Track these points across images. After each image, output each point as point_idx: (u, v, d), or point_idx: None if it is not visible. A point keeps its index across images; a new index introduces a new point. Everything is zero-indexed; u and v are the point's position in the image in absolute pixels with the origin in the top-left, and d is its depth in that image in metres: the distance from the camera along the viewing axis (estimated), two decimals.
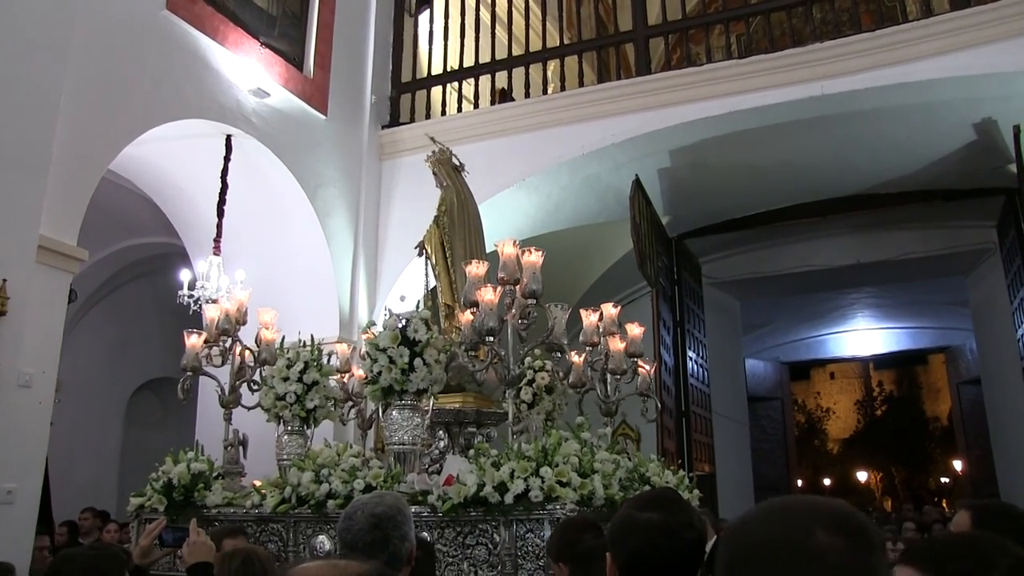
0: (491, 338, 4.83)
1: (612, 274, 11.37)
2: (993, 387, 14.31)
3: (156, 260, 11.12)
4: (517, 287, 4.93)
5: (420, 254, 6.56)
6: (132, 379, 12.23)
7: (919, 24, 7.72)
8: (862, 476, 36.49)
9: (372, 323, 5.63)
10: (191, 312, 7.65)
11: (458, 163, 6.90)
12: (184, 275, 7.63)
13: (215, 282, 7.52)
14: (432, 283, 6.50)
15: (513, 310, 4.94)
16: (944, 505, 29.48)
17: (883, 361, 31.11)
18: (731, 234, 12.02)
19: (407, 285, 9.15)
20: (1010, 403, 12.16)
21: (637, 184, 9.08)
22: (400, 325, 5.16)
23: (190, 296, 7.52)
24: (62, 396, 8.62)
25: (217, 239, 7.73)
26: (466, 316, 5.06)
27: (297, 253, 8.62)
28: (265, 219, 8.57)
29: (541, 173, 8.84)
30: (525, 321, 4.99)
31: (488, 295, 4.83)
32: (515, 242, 5.00)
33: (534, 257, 4.97)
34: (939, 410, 34.79)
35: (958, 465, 27.79)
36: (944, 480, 33.63)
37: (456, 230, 6.46)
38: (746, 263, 13.64)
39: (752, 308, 16.18)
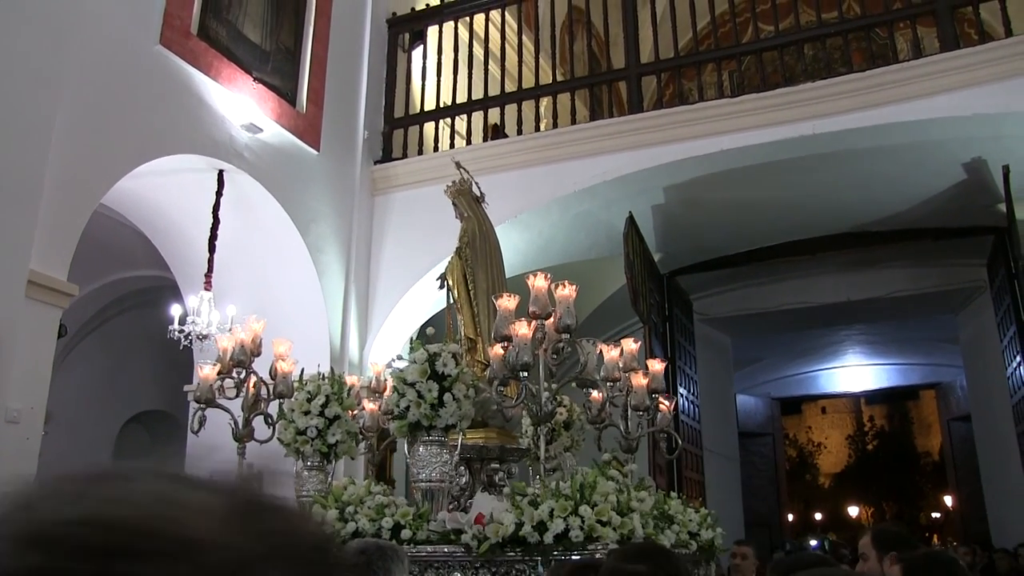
0: (524, 373, 4.74)
1: (602, 311, 11.36)
2: (983, 424, 14.34)
3: (147, 293, 11.08)
4: (548, 321, 4.85)
5: (441, 286, 6.43)
6: (122, 412, 12.16)
7: (909, 65, 7.78)
8: (853, 511, 36.45)
9: (399, 357, 5.53)
10: (181, 347, 7.62)
11: (479, 193, 6.82)
12: (175, 310, 7.61)
13: (206, 317, 7.49)
14: (456, 315, 6.32)
15: (544, 345, 4.86)
16: (935, 540, 29.42)
17: (874, 396, 31.14)
18: (722, 271, 12.04)
19: (399, 321, 9.15)
20: (1000, 440, 12.16)
21: (631, 221, 9.09)
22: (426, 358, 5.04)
23: (180, 331, 7.49)
24: (50, 428, 8.57)
25: (208, 274, 7.71)
26: (496, 350, 4.93)
27: (289, 288, 8.60)
28: (257, 254, 8.55)
29: (532, 210, 8.85)
30: (556, 356, 4.91)
31: (522, 329, 4.74)
32: (547, 275, 4.92)
33: (567, 291, 4.89)
34: (930, 445, 34.84)
35: (949, 501, 27.75)
36: (935, 515, 33.58)
37: (479, 262, 6.35)
38: (737, 300, 13.65)
39: (743, 344, 16.17)
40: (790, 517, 28.14)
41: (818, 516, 35.64)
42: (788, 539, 21.87)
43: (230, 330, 6.67)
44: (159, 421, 12.36)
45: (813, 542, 21.83)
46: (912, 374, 21.46)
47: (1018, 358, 9.37)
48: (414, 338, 8.97)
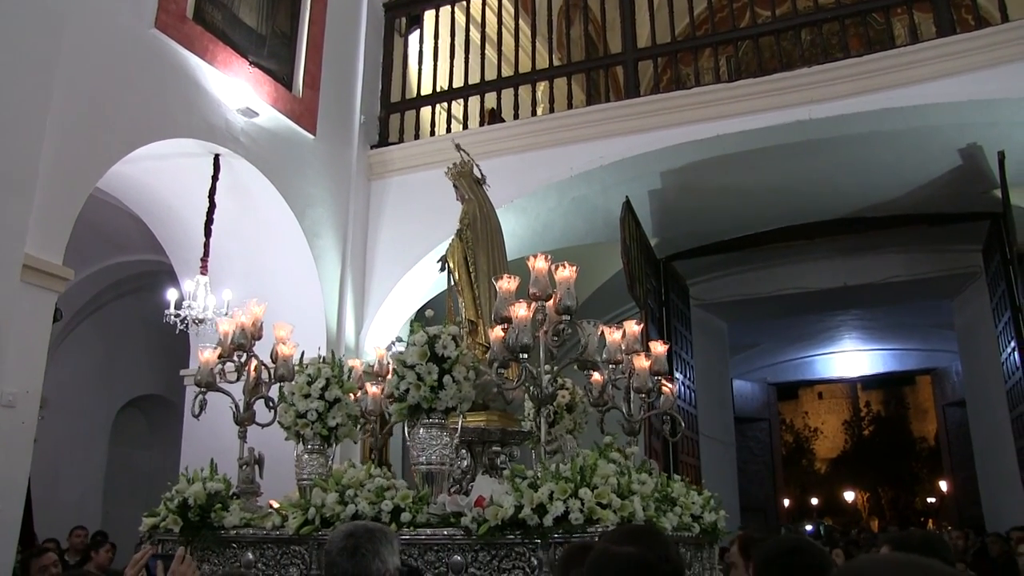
0: (524, 355, 4.70)
1: (598, 296, 11.35)
2: (978, 409, 14.37)
3: (143, 278, 11.08)
4: (548, 303, 4.83)
5: (442, 268, 6.36)
6: (118, 397, 12.17)
7: (906, 50, 7.77)
8: (849, 496, 36.54)
9: (399, 339, 5.49)
10: (177, 331, 7.62)
11: (480, 175, 6.75)
12: (171, 294, 7.60)
13: (202, 302, 7.49)
14: (457, 298, 6.26)
15: (545, 327, 4.84)
16: (930, 525, 29.52)
17: (871, 381, 31.18)
18: (719, 256, 12.04)
19: (395, 306, 9.15)
20: (994, 425, 12.19)
21: (627, 206, 9.08)
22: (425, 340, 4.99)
23: (176, 316, 7.49)
24: (47, 413, 8.56)
25: (204, 258, 7.71)
26: (496, 332, 4.88)
27: (285, 273, 8.59)
28: (253, 239, 8.55)
29: (529, 195, 8.84)
30: (557, 338, 4.88)
31: (521, 311, 4.70)
32: (547, 256, 4.89)
33: (567, 272, 4.85)
34: (926, 430, 34.93)
35: (944, 485, 27.84)
36: (930, 500, 33.67)
37: (480, 244, 6.29)
38: (734, 285, 13.66)
39: (740, 329, 16.19)
40: (786, 502, 28.23)
41: (814, 501, 35.71)
42: (784, 524, 21.98)
43: (226, 314, 6.65)
44: (156, 405, 12.38)
45: (808, 527, 21.91)
46: (908, 359, 21.51)
47: (1012, 344, 9.38)
48: (413, 320, 8.96)
